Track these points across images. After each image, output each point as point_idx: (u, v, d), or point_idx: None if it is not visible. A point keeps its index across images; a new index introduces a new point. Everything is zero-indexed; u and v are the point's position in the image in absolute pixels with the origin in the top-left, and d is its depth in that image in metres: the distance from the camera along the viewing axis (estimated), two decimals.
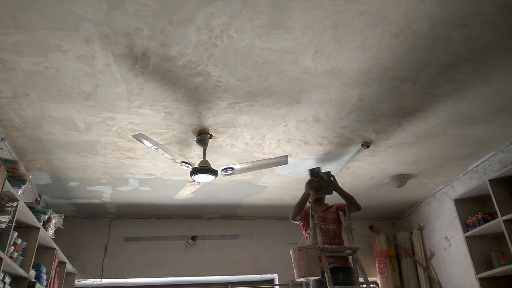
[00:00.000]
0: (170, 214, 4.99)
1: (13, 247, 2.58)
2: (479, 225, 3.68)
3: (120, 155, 3.46)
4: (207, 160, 3.12)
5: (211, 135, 3.18)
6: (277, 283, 4.94)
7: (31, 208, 2.96)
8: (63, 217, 3.61)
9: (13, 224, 2.46)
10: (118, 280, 4.74)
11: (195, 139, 3.19)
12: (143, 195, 4.37)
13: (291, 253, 2.97)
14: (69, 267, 4.09)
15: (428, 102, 2.89)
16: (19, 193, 2.64)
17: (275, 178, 4.12)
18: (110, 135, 3.13)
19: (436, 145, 3.56)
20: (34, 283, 2.90)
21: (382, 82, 2.64)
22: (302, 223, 3.51)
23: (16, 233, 2.64)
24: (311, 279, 2.95)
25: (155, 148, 2.85)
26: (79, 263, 4.51)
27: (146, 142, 2.78)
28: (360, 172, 4.08)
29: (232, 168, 3.16)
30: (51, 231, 3.46)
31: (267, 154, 3.56)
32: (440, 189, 4.64)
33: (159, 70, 2.42)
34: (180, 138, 3.23)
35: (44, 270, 3.22)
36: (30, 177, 2.86)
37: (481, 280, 3.62)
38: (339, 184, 3.43)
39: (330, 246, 3.20)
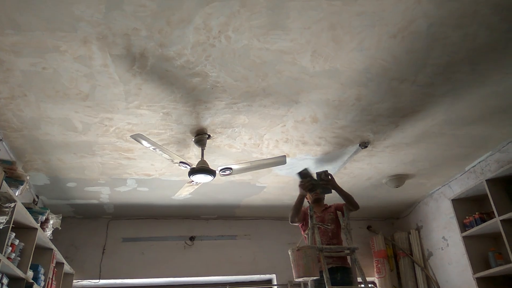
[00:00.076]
0: (168, 215, 4.98)
1: (10, 248, 2.57)
2: (477, 225, 3.69)
3: (118, 156, 3.46)
4: (205, 161, 3.12)
5: (209, 136, 3.18)
6: (275, 283, 4.94)
7: (29, 208, 2.95)
8: (61, 217, 3.59)
9: (11, 225, 2.46)
10: (116, 281, 4.74)
11: (193, 140, 3.19)
12: (141, 195, 4.36)
13: (289, 253, 2.97)
14: (67, 267, 4.08)
15: (426, 103, 2.90)
16: (16, 194, 2.64)
17: (273, 178, 4.12)
18: (108, 135, 3.12)
19: (434, 145, 3.57)
20: (32, 284, 2.89)
21: (380, 83, 2.65)
22: (301, 224, 3.51)
23: (14, 234, 2.63)
24: (309, 279, 2.94)
25: (153, 149, 2.85)
26: (77, 264, 4.50)
27: (144, 142, 2.78)
28: (358, 172, 4.09)
29: (230, 168, 3.16)
30: (49, 232, 3.45)
31: (265, 155, 3.56)
32: (438, 189, 4.65)
33: (157, 70, 2.42)
34: (178, 138, 3.23)
35: (42, 271, 3.21)
36: (28, 177, 2.85)
37: (479, 280, 3.63)
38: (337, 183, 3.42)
39: (328, 246, 3.20)
